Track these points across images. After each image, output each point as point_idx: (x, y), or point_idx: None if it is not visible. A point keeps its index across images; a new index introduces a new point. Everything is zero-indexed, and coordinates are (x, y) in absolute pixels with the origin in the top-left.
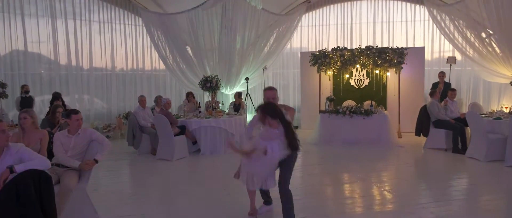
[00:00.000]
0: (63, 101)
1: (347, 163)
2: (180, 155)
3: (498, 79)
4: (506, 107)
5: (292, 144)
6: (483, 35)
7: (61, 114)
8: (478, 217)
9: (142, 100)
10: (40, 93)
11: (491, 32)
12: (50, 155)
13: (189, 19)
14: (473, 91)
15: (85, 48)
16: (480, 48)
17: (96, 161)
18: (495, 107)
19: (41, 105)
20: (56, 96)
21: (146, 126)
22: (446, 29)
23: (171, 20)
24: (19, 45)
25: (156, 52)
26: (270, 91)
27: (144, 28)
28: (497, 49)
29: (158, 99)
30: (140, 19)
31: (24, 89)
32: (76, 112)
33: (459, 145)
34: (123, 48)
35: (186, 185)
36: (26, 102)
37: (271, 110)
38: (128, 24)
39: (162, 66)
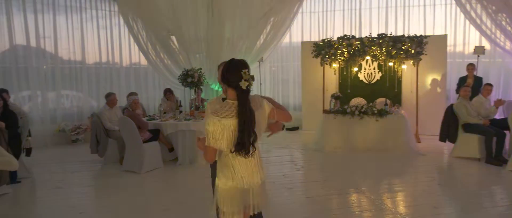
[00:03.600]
0: (4, 101)
1: (356, 178)
2: (152, 165)
3: None
4: None
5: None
6: None
7: None
8: None
9: (111, 99)
10: None
11: None
12: None
13: (170, 5)
14: (504, 88)
15: (49, 38)
16: None
17: None
18: None
19: None
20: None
21: (112, 129)
22: (472, 13)
23: (150, 4)
24: None
25: (134, 43)
26: None
27: (119, 15)
28: None
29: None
30: (114, 4)
31: None
32: None
33: (493, 153)
34: (95, 38)
35: (159, 210)
36: None
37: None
38: (101, 10)
39: (142, 60)
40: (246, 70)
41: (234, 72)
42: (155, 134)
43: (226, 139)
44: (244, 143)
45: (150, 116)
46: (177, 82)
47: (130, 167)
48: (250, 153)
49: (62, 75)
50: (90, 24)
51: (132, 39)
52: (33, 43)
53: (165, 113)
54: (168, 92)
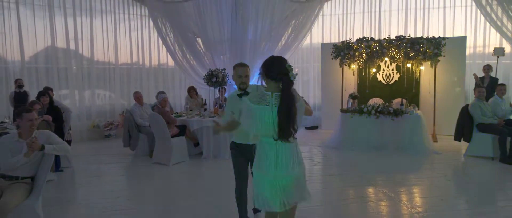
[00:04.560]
0: (50, 98)
1: (372, 174)
2: (179, 158)
3: None
4: None
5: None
6: None
7: (37, 112)
8: None
9: (137, 96)
10: (37, 87)
11: None
12: None
13: (196, 8)
14: None
15: (86, 40)
16: None
17: (43, 147)
18: None
19: None
20: (42, 92)
21: (143, 125)
22: (493, 15)
23: (177, 8)
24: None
25: (162, 45)
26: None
27: (149, 18)
28: None
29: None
30: (145, 8)
31: (18, 83)
32: (28, 110)
33: (507, 152)
34: (127, 40)
35: (185, 196)
36: (20, 98)
37: None
38: (133, 14)
39: (170, 60)
40: (289, 64)
41: (278, 66)
42: (182, 130)
43: (257, 124)
44: (285, 128)
45: (177, 113)
46: (202, 82)
47: (160, 159)
48: (291, 138)
49: (97, 75)
50: (122, 27)
51: (160, 41)
52: (72, 45)
53: (191, 110)
54: (192, 90)
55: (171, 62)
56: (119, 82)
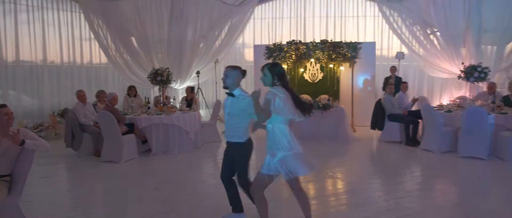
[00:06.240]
0: None
1: (310, 159)
2: (129, 156)
3: (441, 74)
4: (452, 101)
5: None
6: (428, 31)
7: None
8: (433, 206)
9: (81, 95)
10: None
11: (435, 29)
12: None
13: (135, 7)
14: (418, 86)
15: (10, 37)
16: (426, 44)
17: (23, 142)
18: (437, 101)
19: None
20: None
21: (87, 124)
22: (394, 25)
23: (113, 7)
24: None
25: (95, 43)
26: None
27: (81, 15)
28: (437, 46)
29: (100, 94)
30: (77, 5)
31: None
32: (2, 105)
33: (410, 137)
34: (56, 39)
35: (141, 190)
36: None
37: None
38: (63, 10)
39: (103, 59)
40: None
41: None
42: (131, 128)
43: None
44: (306, 108)
45: (123, 111)
46: (138, 81)
47: (109, 158)
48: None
49: (24, 74)
50: (51, 24)
51: (93, 38)
52: None
53: (132, 108)
54: (132, 89)
55: (104, 60)
56: (49, 81)
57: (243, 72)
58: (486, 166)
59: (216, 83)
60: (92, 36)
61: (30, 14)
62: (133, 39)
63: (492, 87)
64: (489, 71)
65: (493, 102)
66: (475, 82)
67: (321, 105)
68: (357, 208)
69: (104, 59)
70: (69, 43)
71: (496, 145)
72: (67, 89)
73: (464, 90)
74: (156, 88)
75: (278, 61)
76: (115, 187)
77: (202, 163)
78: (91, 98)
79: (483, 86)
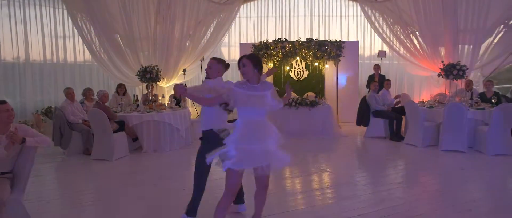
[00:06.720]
0: None
1: (302, 155)
2: (120, 154)
3: (420, 72)
4: (432, 97)
5: None
6: (408, 30)
7: None
8: (417, 196)
9: (69, 92)
10: None
11: (415, 29)
12: None
13: (121, 4)
14: (399, 83)
15: None
16: (406, 43)
17: (23, 140)
18: (417, 98)
19: None
20: None
21: (76, 122)
22: (376, 25)
23: (99, 4)
24: None
25: (79, 40)
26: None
27: (65, 11)
28: (417, 45)
29: (87, 92)
30: (60, 1)
31: None
32: (2, 101)
33: (394, 132)
34: (39, 36)
35: (135, 187)
36: None
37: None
38: (46, 6)
39: (87, 56)
40: None
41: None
42: (122, 125)
43: None
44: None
45: (113, 109)
46: (124, 79)
47: (100, 156)
48: None
49: (5, 72)
50: (33, 20)
51: (77, 35)
52: None
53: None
54: (121, 87)
55: (88, 58)
56: (31, 79)
57: (227, 66)
58: (466, 158)
59: (202, 80)
60: (76, 32)
61: (11, 10)
62: (119, 36)
63: (469, 84)
64: (467, 69)
65: (471, 98)
66: (455, 80)
67: (308, 102)
68: (344, 201)
69: (88, 56)
70: (52, 40)
71: (475, 138)
72: (50, 87)
73: (442, 88)
74: (142, 86)
75: (264, 59)
76: (109, 184)
77: (194, 159)
78: (76, 96)
79: (460, 83)
